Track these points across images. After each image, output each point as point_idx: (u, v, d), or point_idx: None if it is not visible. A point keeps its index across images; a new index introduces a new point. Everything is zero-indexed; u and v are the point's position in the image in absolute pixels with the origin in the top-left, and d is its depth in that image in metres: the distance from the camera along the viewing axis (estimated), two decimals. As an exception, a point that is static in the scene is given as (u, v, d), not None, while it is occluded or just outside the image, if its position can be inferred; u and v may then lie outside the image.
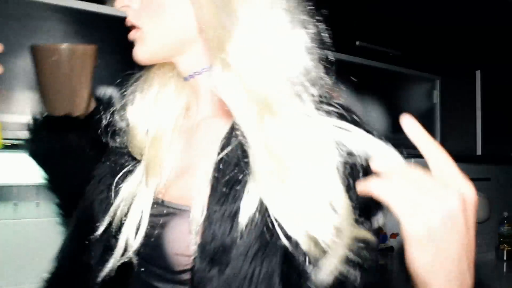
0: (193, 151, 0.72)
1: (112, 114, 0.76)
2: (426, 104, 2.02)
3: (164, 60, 0.73)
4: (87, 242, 0.72)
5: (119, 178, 0.72)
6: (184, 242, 0.62)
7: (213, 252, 0.59)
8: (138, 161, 0.72)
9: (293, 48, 0.61)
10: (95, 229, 0.71)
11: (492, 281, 2.22)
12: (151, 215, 0.68)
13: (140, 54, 0.70)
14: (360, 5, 1.68)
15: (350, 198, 0.58)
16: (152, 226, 0.67)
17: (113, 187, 0.72)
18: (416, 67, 1.92)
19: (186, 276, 0.63)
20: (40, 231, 1.50)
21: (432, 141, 0.47)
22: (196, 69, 0.71)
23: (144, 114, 0.73)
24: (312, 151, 0.58)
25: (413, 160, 0.77)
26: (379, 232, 0.74)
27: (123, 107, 0.75)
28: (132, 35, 0.70)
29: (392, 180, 0.45)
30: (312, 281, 0.56)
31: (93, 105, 0.83)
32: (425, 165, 0.47)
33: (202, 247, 0.59)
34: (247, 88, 0.59)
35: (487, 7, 1.97)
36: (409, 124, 0.47)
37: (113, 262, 0.68)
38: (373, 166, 0.47)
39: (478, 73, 1.96)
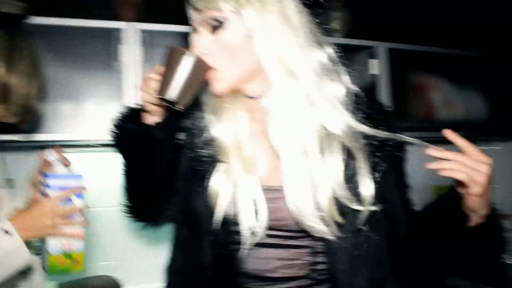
0: (266, 149, 0.95)
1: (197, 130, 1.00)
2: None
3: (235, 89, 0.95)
4: (198, 231, 0.96)
5: (209, 179, 0.95)
6: (283, 212, 0.91)
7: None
8: (217, 163, 0.95)
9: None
10: (202, 219, 0.95)
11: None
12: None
13: (218, 89, 0.92)
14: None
15: (374, 172, 0.90)
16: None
17: (207, 185, 0.94)
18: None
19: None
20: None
21: (463, 140, 0.81)
22: (257, 93, 0.94)
23: (224, 130, 0.96)
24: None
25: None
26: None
27: (205, 124, 0.98)
28: (209, 75, 0.90)
29: (452, 161, 0.79)
30: None
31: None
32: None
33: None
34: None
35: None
36: (451, 135, 0.81)
37: (244, 243, 0.92)
38: (430, 153, 0.80)
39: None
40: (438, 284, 1.09)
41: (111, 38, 1.65)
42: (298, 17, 0.90)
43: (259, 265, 0.96)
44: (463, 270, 1.00)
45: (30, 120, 1.17)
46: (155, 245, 2.00)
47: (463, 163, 0.79)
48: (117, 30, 1.65)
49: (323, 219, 0.89)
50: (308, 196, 0.89)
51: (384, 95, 1.97)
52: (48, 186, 1.07)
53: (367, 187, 0.90)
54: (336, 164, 0.90)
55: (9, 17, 1.11)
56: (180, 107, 0.90)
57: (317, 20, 0.94)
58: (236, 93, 0.97)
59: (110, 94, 1.65)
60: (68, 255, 1.06)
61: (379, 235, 0.94)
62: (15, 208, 1.16)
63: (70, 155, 1.89)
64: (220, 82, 0.92)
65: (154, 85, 0.90)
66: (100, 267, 1.65)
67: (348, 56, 1.94)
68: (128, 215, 1.09)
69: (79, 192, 1.09)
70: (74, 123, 1.62)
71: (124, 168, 1.04)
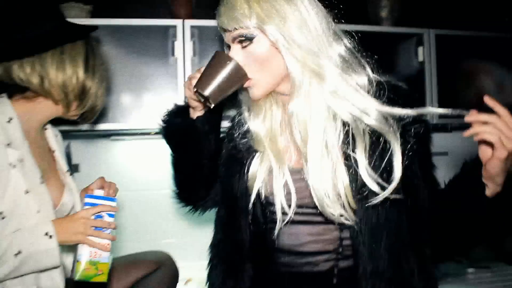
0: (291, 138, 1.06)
1: (237, 123, 1.14)
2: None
3: None
4: (237, 211, 1.10)
5: (246, 165, 1.09)
6: (307, 191, 1.00)
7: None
8: (254, 152, 1.09)
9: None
10: (240, 201, 1.09)
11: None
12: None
13: (256, 95, 1.04)
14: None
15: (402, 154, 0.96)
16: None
17: (245, 171, 1.08)
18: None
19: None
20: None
21: (501, 107, 0.85)
22: (288, 91, 1.03)
23: (259, 124, 1.09)
24: None
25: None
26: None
27: (243, 119, 1.12)
28: (247, 83, 1.02)
29: (485, 125, 0.85)
30: None
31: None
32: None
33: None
34: None
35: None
36: (490, 101, 0.85)
37: (278, 221, 1.03)
38: (468, 119, 0.86)
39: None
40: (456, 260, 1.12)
41: (167, 34, 1.79)
42: (316, 19, 0.98)
43: (290, 240, 1.06)
44: (483, 243, 1.03)
45: (93, 116, 1.32)
46: (201, 226, 2.16)
47: (496, 126, 0.84)
48: (173, 27, 1.78)
49: (341, 206, 0.97)
50: (328, 184, 0.97)
51: (432, 82, 1.98)
52: (86, 203, 1.21)
53: (395, 168, 0.96)
54: (361, 151, 0.97)
55: (87, 28, 1.25)
56: (211, 103, 1.01)
57: (334, 14, 1.02)
58: (270, 92, 1.07)
59: (166, 86, 1.79)
60: (94, 263, 1.18)
61: (400, 211, 1.01)
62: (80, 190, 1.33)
63: (131, 142, 2.09)
64: (256, 89, 1.03)
65: (195, 82, 1.01)
66: (153, 244, 1.82)
67: (396, 44, 1.99)
68: (177, 200, 1.25)
69: (111, 212, 1.22)
70: (133, 113, 1.78)
71: (172, 158, 1.19)
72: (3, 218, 1.07)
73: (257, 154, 1.09)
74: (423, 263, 1.04)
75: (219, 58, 1.00)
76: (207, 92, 0.99)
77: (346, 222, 0.99)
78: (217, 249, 1.17)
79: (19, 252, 1.06)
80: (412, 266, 1.02)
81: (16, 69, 1.13)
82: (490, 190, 0.94)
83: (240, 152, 1.11)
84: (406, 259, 1.02)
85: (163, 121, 1.16)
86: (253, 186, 1.06)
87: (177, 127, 1.14)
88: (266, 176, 1.06)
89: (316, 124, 0.97)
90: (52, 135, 1.34)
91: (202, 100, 1.02)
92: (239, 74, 1.00)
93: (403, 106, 0.98)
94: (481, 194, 0.95)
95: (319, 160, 0.97)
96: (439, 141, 2.26)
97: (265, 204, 1.08)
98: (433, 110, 1.00)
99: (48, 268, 1.14)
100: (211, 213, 1.82)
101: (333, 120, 0.99)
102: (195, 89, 1.01)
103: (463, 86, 2.00)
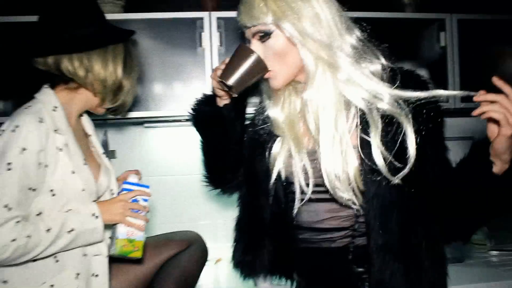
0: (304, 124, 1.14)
1: (259, 110, 1.24)
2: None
3: None
4: (259, 191, 1.19)
5: (268, 148, 1.18)
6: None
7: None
8: (275, 137, 1.17)
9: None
10: (262, 181, 1.18)
11: None
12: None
13: (276, 85, 1.12)
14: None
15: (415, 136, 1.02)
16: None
17: (266, 153, 1.18)
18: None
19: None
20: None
21: (509, 87, 0.90)
22: (302, 80, 1.12)
23: (278, 111, 1.17)
24: None
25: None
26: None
27: (264, 106, 1.20)
28: (267, 74, 1.10)
29: (496, 107, 0.90)
30: None
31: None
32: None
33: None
34: None
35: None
36: (498, 81, 0.91)
37: (297, 199, 1.12)
38: (476, 99, 0.93)
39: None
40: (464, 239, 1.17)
41: (195, 26, 1.88)
42: (328, 13, 1.04)
43: (309, 217, 1.15)
44: (492, 220, 1.08)
45: (123, 110, 1.45)
46: (230, 208, 2.27)
47: (502, 105, 0.90)
48: (200, 19, 1.87)
49: (350, 189, 1.04)
50: (338, 168, 1.04)
51: (454, 68, 1.99)
52: (123, 189, 1.37)
53: (409, 150, 1.02)
54: (374, 135, 1.04)
55: (127, 32, 1.38)
56: (234, 92, 1.10)
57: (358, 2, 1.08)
58: (289, 82, 1.14)
59: (195, 75, 1.88)
60: (131, 241, 1.32)
61: (410, 190, 1.05)
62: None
63: (162, 129, 2.20)
64: (276, 80, 1.11)
65: (220, 73, 1.10)
66: (184, 226, 1.92)
67: (418, 30, 2.01)
68: (207, 183, 1.35)
69: (145, 197, 1.36)
70: (165, 101, 1.88)
71: (201, 144, 1.29)
72: (53, 195, 1.21)
73: (278, 138, 1.17)
74: (431, 241, 1.09)
75: (242, 51, 1.09)
76: (230, 82, 1.07)
77: (354, 206, 1.06)
78: (239, 226, 1.27)
79: (72, 230, 1.20)
80: (420, 241, 1.07)
81: (66, 62, 1.26)
82: (498, 167, 0.99)
83: (262, 136, 1.20)
84: (415, 234, 1.07)
85: (192, 109, 1.26)
86: (274, 167, 1.15)
87: (205, 115, 1.23)
88: (286, 158, 1.14)
89: (328, 111, 1.04)
90: (87, 121, 1.47)
91: (227, 89, 1.11)
92: (260, 66, 1.08)
93: (415, 90, 1.04)
94: (488, 171, 1.00)
95: (330, 145, 1.04)
96: (464, 125, 2.30)
97: (285, 184, 1.16)
98: (442, 92, 1.05)
99: (94, 243, 1.29)
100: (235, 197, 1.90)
101: (346, 107, 1.06)
102: (220, 79, 1.09)
103: (486, 71, 2.00)
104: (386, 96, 1.03)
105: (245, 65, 1.07)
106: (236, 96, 1.12)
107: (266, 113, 1.20)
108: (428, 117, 1.06)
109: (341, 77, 1.04)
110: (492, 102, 0.92)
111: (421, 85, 1.07)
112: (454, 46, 2.00)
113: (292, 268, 1.24)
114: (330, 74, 1.04)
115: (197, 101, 1.27)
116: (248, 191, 1.25)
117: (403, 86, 1.05)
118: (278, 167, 1.15)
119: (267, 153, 1.18)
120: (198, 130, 1.27)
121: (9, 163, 1.13)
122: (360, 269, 1.10)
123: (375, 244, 1.06)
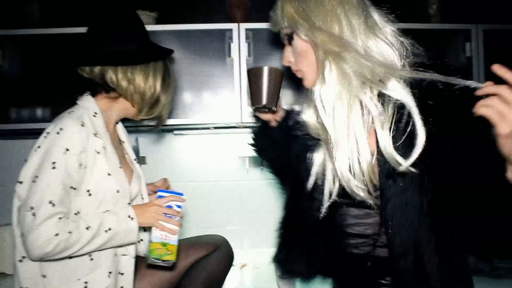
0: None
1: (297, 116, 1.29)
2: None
3: None
4: (301, 194, 1.24)
5: (311, 152, 1.21)
6: None
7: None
8: (317, 140, 1.18)
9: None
10: (305, 185, 1.22)
11: None
12: None
13: (305, 84, 1.17)
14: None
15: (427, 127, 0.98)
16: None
17: (311, 157, 1.20)
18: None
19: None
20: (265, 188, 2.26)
21: (510, 73, 0.78)
22: None
23: (312, 114, 1.17)
24: None
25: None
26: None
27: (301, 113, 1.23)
28: (299, 75, 1.18)
29: (488, 101, 0.80)
30: None
31: (281, 111, 1.35)
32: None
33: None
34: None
35: None
36: (499, 69, 0.79)
37: (325, 204, 1.16)
38: (479, 93, 0.82)
39: None
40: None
41: (224, 37, 1.94)
42: (341, 12, 1.06)
43: (340, 221, 1.19)
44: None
45: (161, 123, 1.54)
46: (257, 216, 2.32)
47: (503, 98, 0.78)
48: (229, 30, 1.94)
49: (365, 186, 1.07)
50: (354, 164, 1.06)
51: (480, 78, 1.99)
52: (159, 196, 1.42)
53: (418, 137, 0.98)
54: (384, 126, 1.03)
55: (167, 51, 1.47)
56: (273, 107, 1.17)
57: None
58: None
59: (224, 85, 1.95)
60: (164, 245, 1.37)
61: (423, 193, 1.03)
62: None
63: (192, 136, 2.26)
64: (306, 80, 1.17)
65: (249, 103, 1.18)
66: (211, 231, 1.97)
67: (444, 40, 2.02)
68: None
69: (179, 203, 1.42)
70: (194, 109, 1.95)
71: (269, 167, 1.47)
72: (90, 195, 1.28)
73: (316, 141, 1.19)
74: (452, 251, 1.06)
75: (253, 73, 1.18)
76: (264, 102, 1.16)
77: (370, 201, 1.08)
78: (280, 225, 1.33)
79: (109, 229, 1.27)
80: (443, 251, 1.04)
81: (111, 72, 1.35)
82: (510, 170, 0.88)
83: (306, 140, 1.23)
84: (435, 242, 1.04)
85: (252, 138, 1.43)
86: (312, 170, 1.19)
87: (261, 138, 1.39)
88: (321, 161, 1.18)
89: (339, 108, 1.05)
90: (122, 128, 1.54)
91: (266, 110, 1.18)
92: (276, 74, 1.16)
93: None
94: (502, 177, 0.89)
95: (344, 142, 1.06)
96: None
97: (321, 187, 1.19)
98: (455, 79, 1.00)
99: (127, 244, 1.35)
100: (265, 205, 1.98)
101: (358, 102, 1.06)
102: (253, 107, 1.17)
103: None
104: (397, 86, 1.02)
105: (263, 82, 1.16)
106: (275, 110, 1.21)
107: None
108: (448, 113, 1.01)
109: (354, 73, 1.03)
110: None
111: (439, 70, 1.02)
112: (479, 56, 2.00)
113: (326, 270, 1.27)
114: (340, 71, 1.04)
115: (255, 128, 1.42)
116: (290, 193, 1.32)
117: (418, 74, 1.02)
118: (315, 170, 1.19)
119: (307, 156, 1.22)
120: (263, 157, 1.45)
121: (53, 162, 1.21)
122: (383, 281, 1.13)
123: (395, 255, 1.06)
